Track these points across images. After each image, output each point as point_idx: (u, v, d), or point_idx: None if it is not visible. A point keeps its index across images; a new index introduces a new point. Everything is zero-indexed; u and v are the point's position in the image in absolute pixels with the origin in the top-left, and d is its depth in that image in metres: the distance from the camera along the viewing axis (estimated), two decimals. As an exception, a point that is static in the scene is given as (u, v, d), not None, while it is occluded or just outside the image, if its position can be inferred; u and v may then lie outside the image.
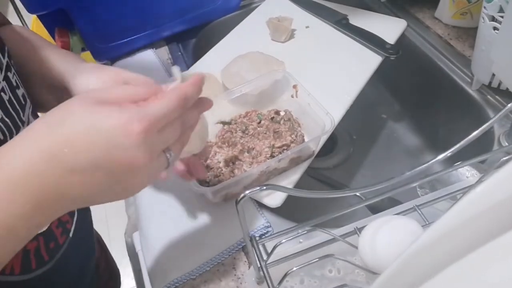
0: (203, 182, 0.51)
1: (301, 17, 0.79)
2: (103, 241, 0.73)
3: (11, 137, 0.38)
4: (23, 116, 0.41)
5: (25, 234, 0.30)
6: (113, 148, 0.29)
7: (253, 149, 0.53)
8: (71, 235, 0.49)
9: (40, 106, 0.48)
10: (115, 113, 0.29)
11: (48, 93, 0.47)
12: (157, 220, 0.53)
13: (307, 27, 0.77)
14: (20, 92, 0.41)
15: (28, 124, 0.41)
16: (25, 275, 0.41)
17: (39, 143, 0.29)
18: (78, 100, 0.31)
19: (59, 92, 0.45)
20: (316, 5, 0.81)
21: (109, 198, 0.32)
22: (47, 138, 0.29)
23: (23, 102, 0.41)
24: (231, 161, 0.52)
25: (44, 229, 0.42)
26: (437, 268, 0.21)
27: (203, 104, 0.37)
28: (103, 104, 0.30)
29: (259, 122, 0.56)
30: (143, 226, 0.54)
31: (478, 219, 0.20)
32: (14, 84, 0.40)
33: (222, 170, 0.51)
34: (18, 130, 0.39)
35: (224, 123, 0.57)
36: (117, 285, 0.76)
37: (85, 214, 0.57)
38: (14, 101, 0.40)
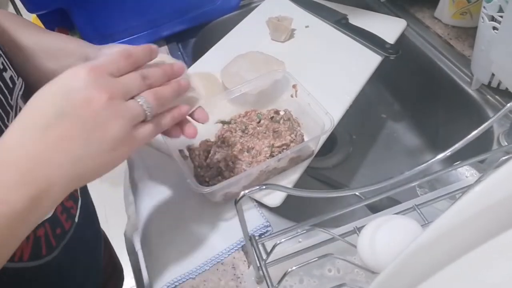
0: (203, 182, 0.51)
1: (301, 17, 0.79)
2: (106, 235, 0.74)
3: (3, 124, 0.37)
4: (11, 100, 0.40)
5: (24, 230, 0.31)
6: (68, 93, 0.32)
7: (253, 148, 0.53)
8: (76, 220, 0.49)
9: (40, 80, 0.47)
10: (67, 70, 0.33)
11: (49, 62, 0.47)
12: (157, 220, 0.53)
13: (307, 27, 0.77)
14: (8, 74, 0.40)
15: (16, 108, 0.40)
16: (34, 261, 0.41)
17: (18, 118, 0.32)
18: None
19: (58, 62, 0.46)
20: (316, 4, 0.81)
21: (95, 156, 0.33)
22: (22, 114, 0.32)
23: (11, 86, 0.40)
24: (231, 161, 0.52)
25: (49, 215, 0.41)
26: (436, 267, 0.21)
27: (170, 66, 0.39)
28: None
29: (259, 122, 0.56)
30: (143, 226, 0.54)
31: (477, 219, 0.20)
32: (1, 66, 0.40)
33: (221, 169, 0.51)
34: (7, 115, 0.38)
35: (223, 122, 0.57)
36: (120, 280, 0.76)
37: (87, 201, 0.57)
38: (1, 84, 0.39)
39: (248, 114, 0.57)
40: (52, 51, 0.47)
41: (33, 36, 0.48)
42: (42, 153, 0.31)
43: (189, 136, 0.42)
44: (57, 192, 0.32)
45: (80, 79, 0.32)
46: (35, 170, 0.30)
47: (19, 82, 0.42)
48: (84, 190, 0.56)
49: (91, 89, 0.32)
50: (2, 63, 0.40)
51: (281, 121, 0.55)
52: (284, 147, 0.52)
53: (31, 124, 0.31)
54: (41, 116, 0.31)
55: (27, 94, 0.43)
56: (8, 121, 0.38)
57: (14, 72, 0.42)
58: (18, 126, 0.31)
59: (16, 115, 0.39)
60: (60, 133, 0.31)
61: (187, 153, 0.54)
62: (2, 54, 0.41)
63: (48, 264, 0.43)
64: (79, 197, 0.52)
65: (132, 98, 0.35)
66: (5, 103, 0.38)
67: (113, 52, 0.36)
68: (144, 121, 0.36)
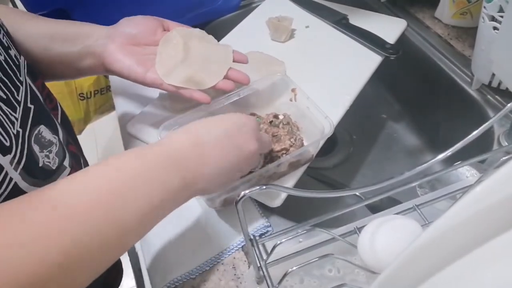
0: None
1: (301, 17, 0.79)
2: None
3: (13, 97, 0.39)
4: (20, 76, 0.42)
5: (170, 208, 0.38)
6: (239, 126, 0.41)
7: None
8: None
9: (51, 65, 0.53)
10: (241, 114, 0.44)
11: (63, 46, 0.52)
12: (157, 219, 0.53)
13: (307, 27, 0.77)
14: (13, 52, 0.43)
15: (26, 84, 0.43)
16: None
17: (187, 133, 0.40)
18: None
19: (79, 43, 0.51)
20: (316, 5, 0.81)
21: (231, 177, 0.42)
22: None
23: (17, 62, 0.43)
24: None
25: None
26: (437, 268, 0.21)
27: None
28: None
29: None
30: (143, 226, 0.53)
31: (478, 219, 0.20)
32: (6, 44, 0.42)
33: None
34: (18, 90, 0.41)
35: None
36: (119, 274, 0.76)
37: None
38: (10, 61, 0.41)
39: None
40: (69, 36, 0.51)
41: (45, 26, 0.52)
42: (203, 156, 0.39)
43: (228, 89, 0.53)
44: (197, 187, 0.39)
45: (249, 125, 0.42)
46: (193, 163, 0.38)
47: (22, 60, 0.45)
48: None
49: (253, 136, 0.42)
50: (6, 42, 0.43)
51: (280, 125, 0.55)
52: (284, 151, 0.52)
53: (203, 135, 0.40)
54: (212, 133, 0.40)
55: (32, 74, 0.46)
56: (18, 95, 0.40)
57: (16, 51, 0.44)
58: (193, 133, 0.40)
59: (26, 90, 0.43)
60: (220, 149, 0.40)
61: None
62: (5, 34, 0.43)
63: None
64: None
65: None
66: (14, 78, 0.41)
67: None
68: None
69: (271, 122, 0.56)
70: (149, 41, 0.54)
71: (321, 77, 0.66)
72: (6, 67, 0.40)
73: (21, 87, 0.42)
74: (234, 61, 0.54)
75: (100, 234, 0.31)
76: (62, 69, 0.54)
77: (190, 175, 0.38)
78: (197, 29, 0.57)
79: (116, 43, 0.52)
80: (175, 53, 0.53)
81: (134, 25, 0.54)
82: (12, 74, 0.41)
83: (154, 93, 0.69)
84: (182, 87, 0.51)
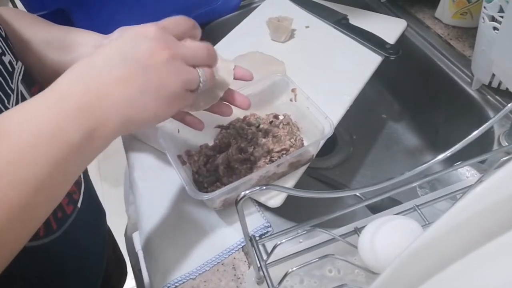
0: (202, 188, 0.50)
1: (301, 17, 0.79)
2: (111, 232, 0.74)
3: (3, 106, 0.38)
4: (12, 83, 0.41)
5: (80, 163, 0.33)
6: (135, 42, 0.35)
7: (252, 154, 0.53)
8: (79, 205, 0.50)
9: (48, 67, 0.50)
10: (138, 25, 0.37)
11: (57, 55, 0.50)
12: (157, 220, 0.53)
13: (307, 27, 0.77)
14: (7, 58, 0.41)
15: (17, 92, 0.42)
16: (32, 241, 0.41)
17: (79, 63, 0.35)
18: None
19: (72, 52, 0.49)
20: (316, 5, 0.81)
21: (149, 102, 0.35)
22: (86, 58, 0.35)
23: (10, 69, 0.41)
24: (230, 167, 0.52)
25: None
26: (437, 268, 0.21)
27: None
28: None
29: (258, 126, 0.55)
30: (143, 226, 0.54)
31: (478, 219, 0.20)
32: (0, 50, 0.41)
33: (220, 175, 0.51)
34: (8, 98, 0.39)
35: (222, 127, 0.56)
36: (123, 274, 0.76)
37: (90, 188, 0.58)
38: (1, 68, 0.40)
39: (247, 118, 0.57)
40: (63, 44, 0.50)
41: (43, 31, 0.51)
42: (101, 89, 0.33)
43: (226, 114, 0.47)
44: (109, 129, 0.34)
45: (148, 33, 0.35)
46: (93, 103, 0.32)
47: (18, 66, 0.43)
48: (87, 179, 0.57)
49: (157, 43, 0.35)
50: (1, 47, 0.41)
51: (281, 126, 0.55)
52: (284, 152, 0.52)
53: (96, 65, 0.34)
54: (105, 58, 0.34)
55: (28, 80, 0.45)
56: (8, 103, 0.39)
57: (12, 57, 0.43)
58: (84, 65, 0.34)
59: (17, 98, 0.41)
60: (121, 75, 0.34)
61: (186, 158, 0.53)
62: (2, 39, 0.42)
63: (47, 246, 0.44)
64: (82, 182, 0.52)
65: (193, 66, 0.38)
66: (5, 86, 0.40)
67: (177, 17, 0.41)
68: (192, 91, 0.39)
69: (271, 122, 0.56)
70: None
71: (321, 77, 0.66)
72: None
73: (12, 95, 0.40)
74: (235, 78, 0.48)
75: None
76: (55, 77, 0.53)
77: (93, 121, 0.32)
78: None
79: None
80: None
81: None
82: (3, 82, 0.39)
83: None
84: None
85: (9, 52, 0.42)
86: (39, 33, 0.51)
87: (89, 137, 0.32)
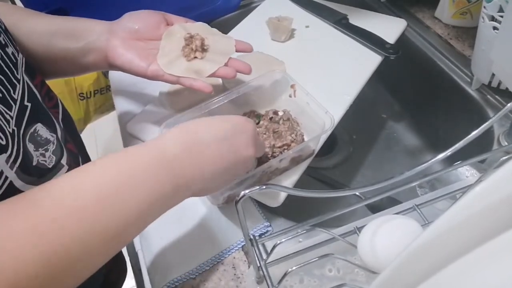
0: None
1: (301, 17, 0.79)
2: None
3: (9, 95, 0.39)
4: (17, 74, 0.42)
5: (160, 211, 0.37)
6: (236, 131, 0.41)
7: None
8: None
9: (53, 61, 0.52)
10: (240, 117, 0.44)
11: (65, 43, 0.52)
12: (157, 220, 0.53)
13: (307, 27, 0.77)
14: (10, 50, 0.43)
15: (23, 82, 0.43)
16: None
17: (187, 127, 0.40)
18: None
19: (82, 40, 0.52)
20: (316, 5, 0.81)
21: (225, 179, 0.42)
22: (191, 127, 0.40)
23: (14, 60, 0.43)
24: None
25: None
26: (437, 267, 0.21)
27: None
28: None
29: (258, 123, 0.56)
30: (143, 226, 0.54)
31: (478, 219, 0.20)
32: (3, 42, 0.42)
33: None
34: (14, 88, 0.41)
35: None
36: (123, 271, 0.76)
37: None
38: (6, 59, 0.41)
39: (247, 115, 0.57)
40: (70, 32, 0.52)
41: (46, 21, 0.53)
42: (198, 160, 0.38)
43: (230, 76, 0.51)
44: (188, 193, 0.39)
45: (247, 129, 0.42)
46: (187, 168, 0.37)
47: (20, 57, 0.44)
48: None
49: (250, 140, 0.42)
50: (4, 39, 0.42)
51: (281, 121, 0.55)
52: (285, 147, 0.52)
53: (201, 138, 0.39)
54: (209, 133, 0.39)
55: (30, 71, 0.46)
56: (14, 93, 0.40)
57: (14, 49, 0.44)
58: (191, 131, 0.39)
59: (23, 88, 0.42)
60: (217, 152, 0.39)
61: None
62: (2, 31, 0.43)
63: None
64: None
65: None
66: (11, 76, 0.41)
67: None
68: None
69: (271, 118, 0.56)
70: (152, 35, 0.54)
71: (321, 77, 0.66)
72: (3, 65, 0.40)
73: (18, 85, 0.41)
74: (237, 50, 0.54)
75: (84, 240, 0.30)
76: (65, 66, 0.54)
77: (183, 180, 0.37)
78: (200, 23, 0.57)
79: (119, 38, 0.52)
80: (178, 47, 0.53)
81: (136, 20, 0.54)
82: (8, 72, 0.41)
83: (155, 92, 0.69)
84: (182, 77, 0.51)
85: (11, 44, 0.43)
86: (42, 23, 0.52)
87: (175, 192, 0.37)
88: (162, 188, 0.35)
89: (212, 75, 0.51)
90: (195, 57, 0.52)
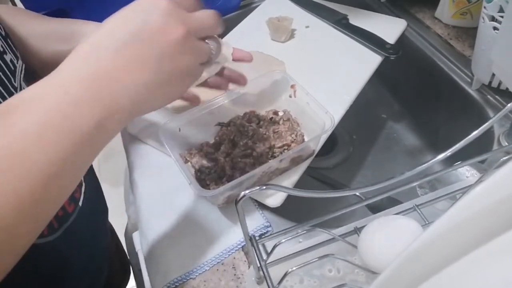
0: (204, 185, 0.50)
1: (301, 17, 0.79)
2: (114, 230, 0.74)
3: None
4: (15, 82, 0.41)
5: (94, 147, 0.31)
6: (146, 19, 0.32)
7: (254, 150, 0.53)
8: (80, 204, 0.50)
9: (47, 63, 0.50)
10: None
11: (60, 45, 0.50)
12: (157, 220, 0.53)
13: (307, 27, 0.77)
14: (8, 57, 0.41)
15: (21, 89, 0.42)
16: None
17: (83, 45, 0.32)
18: None
19: (73, 42, 0.49)
20: (316, 5, 0.81)
21: (163, 84, 0.33)
22: (94, 34, 0.32)
23: (12, 68, 0.41)
24: (232, 163, 0.52)
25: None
26: (437, 268, 0.21)
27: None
28: None
29: (258, 123, 0.56)
30: (143, 226, 0.54)
31: (478, 219, 0.20)
32: (1, 49, 0.41)
33: (222, 172, 0.51)
34: (11, 96, 0.39)
35: (222, 124, 0.56)
36: (127, 273, 0.77)
37: (93, 186, 0.58)
38: (4, 67, 0.40)
39: (247, 115, 0.57)
40: (63, 34, 0.51)
41: (41, 24, 0.52)
42: (112, 73, 0.30)
43: (223, 88, 0.47)
44: (121, 115, 0.31)
45: (159, 8, 0.32)
46: (104, 89, 0.30)
47: (19, 64, 0.43)
48: (90, 177, 0.57)
49: (170, 19, 0.32)
50: (2, 46, 0.41)
51: (281, 122, 0.55)
52: (285, 147, 0.52)
53: (103, 45, 0.31)
54: (115, 37, 0.32)
55: (29, 78, 0.45)
56: None
57: (13, 55, 0.43)
58: (89, 45, 0.32)
59: None
60: (133, 56, 0.31)
61: (187, 156, 0.53)
62: (2, 38, 0.42)
63: (49, 244, 0.44)
64: (83, 182, 0.52)
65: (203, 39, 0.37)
66: (8, 84, 0.40)
67: None
68: (203, 64, 0.37)
69: (271, 118, 0.56)
70: None
71: (321, 77, 0.66)
72: (0, 73, 0.40)
73: (15, 94, 0.41)
74: (234, 59, 0.51)
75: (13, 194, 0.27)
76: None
77: (103, 111, 0.30)
78: None
79: None
80: None
81: None
82: (5, 80, 0.40)
83: (154, 93, 0.69)
84: None
85: (10, 50, 0.43)
86: (37, 26, 0.51)
87: (99, 126, 0.30)
88: (78, 129, 0.29)
89: (203, 84, 0.49)
90: None
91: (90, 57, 0.31)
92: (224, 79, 0.49)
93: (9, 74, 0.41)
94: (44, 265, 0.45)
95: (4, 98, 0.39)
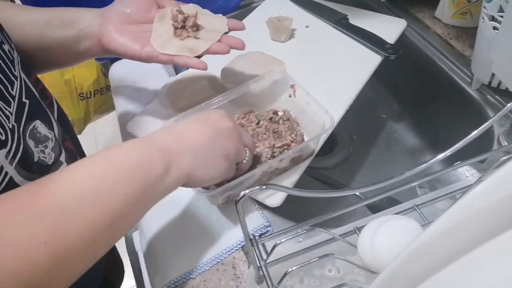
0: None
1: (301, 17, 0.79)
2: None
3: (7, 92, 0.40)
4: (15, 71, 0.43)
5: (157, 194, 0.38)
6: (212, 118, 0.43)
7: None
8: None
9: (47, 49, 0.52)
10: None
11: (61, 31, 0.52)
12: (157, 219, 0.53)
13: (307, 27, 0.77)
14: (6, 47, 0.43)
15: (21, 79, 0.43)
16: None
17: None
18: None
19: (76, 27, 0.52)
20: (316, 5, 0.81)
21: (212, 152, 0.41)
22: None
23: (11, 58, 0.43)
24: None
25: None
26: (437, 267, 0.21)
27: None
28: None
29: (258, 123, 0.56)
30: (143, 226, 0.54)
31: (478, 219, 0.20)
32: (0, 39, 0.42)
33: None
34: (12, 85, 0.41)
35: None
36: (120, 274, 0.76)
37: None
38: (3, 56, 0.41)
39: (247, 115, 0.57)
40: (64, 21, 0.52)
41: (39, 13, 0.53)
42: (180, 133, 0.40)
43: (224, 51, 0.52)
44: (183, 165, 0.38)
45: (223, 115, 0.44)
46: (172, 143, 0.39)
47: (15, 55, 0.45)
48: None
49: (226, 118, 0.44)
50: (0, 37, 0.43)
51: (281, 122, 0.55)
52: (285, 147, 0.52)
53: (175, 125, 0.42)
54: (183, 122, 0.43)
55: (26, 69, 0.46)
56: (12, 89, 0.41)
57: (10, 46, 0.44)
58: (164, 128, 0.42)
59: (20, 85, 0.43)
60: (196, 127, 0.41)
61: None
62: None
63: None
64: None
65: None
66: (8, 73, 0.41)
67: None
68: (237, 164, 0.46)
69: (271, 118, 0.56)
70: (144, 19, 0.54)
71: (321, 77, 0.66)
72: (1, 62, 0.40)
73: (15, 82, 0.42)
74: (229, 29, 0.54)
75: (91, 223, 0.31)
76: (60, 55, 0.54)
77: (171, 154, 0.38)
78: (192, 4, 0.57)
79: (112, 22, 0.52)
80: (171, 28, 0.53)
81: (128, 4, 0.54)
82: (6, 69, 0.41)
83: (155, 92, 0.69)
84: (176, 55, 0.51)
85: (7, 41, 0.44)
86: (36, 15, 0.52)
87: (167, 169, 0.37)
88: (155, 166, 0.36)
89: (206, 52, 0.51)
90: (188, 36, 0.52)
91: (166, 129, 0.41)
92: (224, 44, 0.52)
93: (8, 63, 0.42)
94: None
95: (6, 87, 0.40)
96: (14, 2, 0.77)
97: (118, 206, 0.33)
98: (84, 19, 0.52)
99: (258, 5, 0.84)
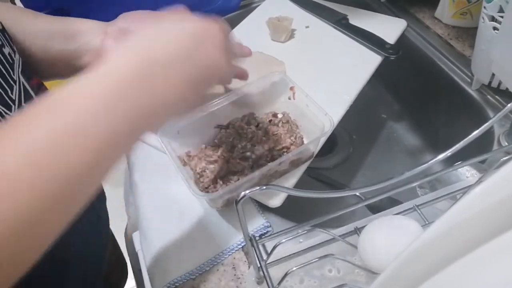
0: (203, 188, 0.50)
1: (301, 17, 0.79)
2: (111, 230, 0.74)
3: (6, 96, 0.39)
4: (13, 74, 0.42)
5: (126, 142, 0.32)
6: (200, 42, 0.36)
7: (253, 153, 0.53)
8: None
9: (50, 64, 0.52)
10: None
11: (63, 44, 0.51)
12: (157, 220, 0.53)
13: (307, 27, 0.77)
14: (6, 50, 0.43)
15: (20, 83, 0.43)
16: None
17: (133, 50, 0.34)
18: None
19: (78, 41, 0.51)
20: (316, 5, 0.81)
21: (196, 92, 0.35)
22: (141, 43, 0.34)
23: (11, 61, 0.43)
24: (231, 166, 0.52)
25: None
26: (437, 268, 0.21)
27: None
28: None
29: (257, 126, 0.56)
30: (143, 226, 0.54)
31: (478, 219, 0.20)
32: (0, 43, 0.42)
33: (221, 175, 0.51)
34: (11, 89, 0.41)
35: (221, 127, 0.56)
36: (124, 273, 0.76)
37: None
38: (3, 59, 0.41)
39: (246, 118, 0.57)
40: (67, 33, 0.52)
41: (44, 23, 0.53)
42: (153, 86, 0.32)
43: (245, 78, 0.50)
44: (152, 123, 0.33)
45: (213, 36, 0.39)
46: (144, 98, 0.32)
47: (16, 58, 0.44)
48: None
49: (220, 57, 0.37)
50: (1, 40, 0.42)
51: (280, 124, 0.55)
52: (284, 150, 0.52)
53: (154, 62, 0.33)
54: (169, 57, 0.34)
55: (26, 72, 0.46)
56: (11, 93, 0.40)
57: (11, 49, 0.44)
58: (139, 55, 0.33)
59: (19, 89, 0.42)
60: (180, 75, 0.34)
61: (186, 159, 0.53)
62: (0, 32, 0.43)
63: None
64: None
65: None
66: (8, 77, 0.41)
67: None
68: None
69: (270, 121, 0.56)
70: None
71: (321, 77, 0.66)
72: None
73: (14, 86, 0.42)
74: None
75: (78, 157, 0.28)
76: (60, 67, 0.54)
77: (140, 114, 0.32)
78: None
79: (113, 38, 0.52)
80: None
81: (131, 21, 0.54)
82: (5, 73, 0.41)
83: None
84: None
85: (7, 44, 0.44)
86: (40, 25, 0.52)
87: (134, 127, 0.31)
88: (117, 125, 0.30)
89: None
90: None
91: (139, 66, 0.32)
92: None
93: (8, 67, 0.42)
94: (39, 266, 0.45)
95: (5, 90, 0.40)
96: (15, 3, 0.77)
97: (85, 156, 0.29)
98: (86, 34, 0.52)
99: (258, 5, 0.84)
